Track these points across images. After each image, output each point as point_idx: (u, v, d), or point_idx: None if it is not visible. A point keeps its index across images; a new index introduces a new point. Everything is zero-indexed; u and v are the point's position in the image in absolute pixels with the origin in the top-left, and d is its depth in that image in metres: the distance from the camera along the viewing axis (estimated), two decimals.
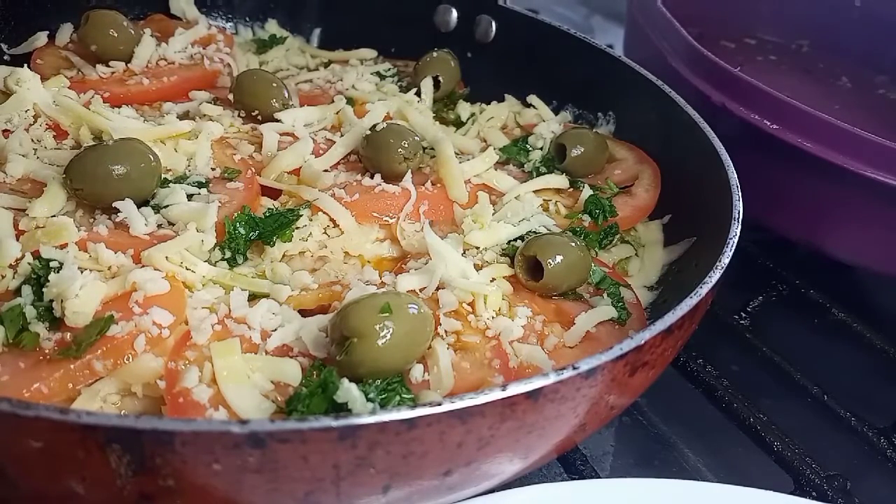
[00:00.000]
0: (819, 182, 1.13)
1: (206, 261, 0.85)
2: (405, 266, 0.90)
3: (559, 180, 1.07)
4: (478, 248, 0.92)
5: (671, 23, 1.28)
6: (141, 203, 0.88)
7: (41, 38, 1.22)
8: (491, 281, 0.86)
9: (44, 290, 0.74)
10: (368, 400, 0.68)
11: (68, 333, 0.72)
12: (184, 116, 1.07)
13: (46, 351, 0.71)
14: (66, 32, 1.24)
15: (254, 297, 0.82)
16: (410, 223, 0.96)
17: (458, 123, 1.23)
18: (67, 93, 1.05)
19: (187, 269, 0.82)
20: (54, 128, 0.99)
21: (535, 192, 1.04)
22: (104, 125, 0.96)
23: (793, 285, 1.24)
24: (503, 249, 0.93)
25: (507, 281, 0.89)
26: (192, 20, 1.34)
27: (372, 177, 0.99)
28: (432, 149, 1.05)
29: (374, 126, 1.03)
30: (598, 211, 1.03)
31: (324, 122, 1.11)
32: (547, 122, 1.20)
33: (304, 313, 0.81)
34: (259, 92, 1.10)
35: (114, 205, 0.85)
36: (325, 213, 0.93)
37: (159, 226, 0.87)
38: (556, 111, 1.27)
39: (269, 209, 0.94)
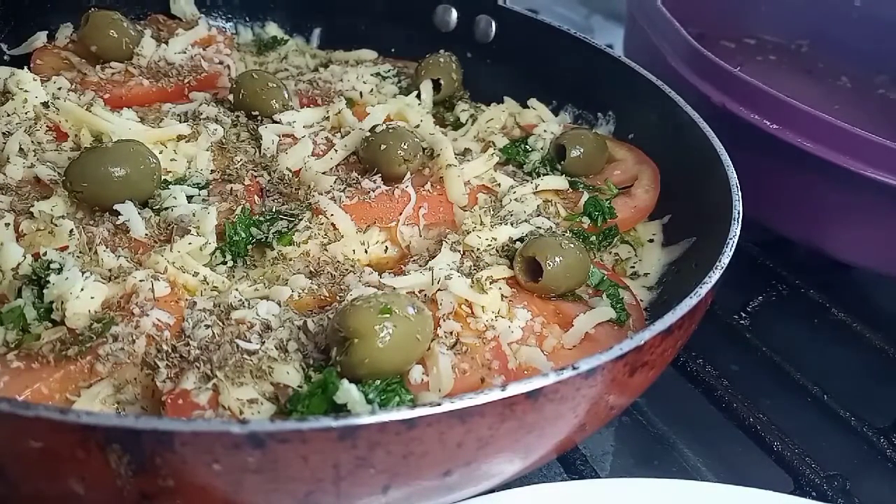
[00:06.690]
0: (819, 182, 1.13)
1: (206, 263, 0.85)
2: (404, 268, 0.90)
3: (559, 181, 1.07)
4: (477, 249, 0.92)
5: (671, 23, 1.28)
6: (141, 205, 0.88)
7: (41, 38, 1.22)
8: (490, 283, 0.86)
9: (44, 291, 0.74)
10: (368, 401, 0.68)
11: (69, 335, 0.72)
12: (183, 118, 1.07)
13: (47, 352, 0.71)
14: (65, 32, 1.24)
15: (254, 298, 0.82)
16: (410, 225, 0.96)
17: (458, 125, 1.23)
18: (67, 95, 1.05)
19: (187, 271, 0.82)
20: (54, 129, 0.99)
21: (534, 193, 1.04)
22: (104, 127, 0.97)
23: (793, 285, 1.24)
24: (503, 251, 0.93)
25: (506, 282, 0.89)
26: (192, 21, 1.34)
27: (372, 178, 0.99)
28: (432, 150, 1.05)
29: (374, 127, 1.03)
30: (597, 213, 1.03)
31: (323, 124, 1.11)
32: (546, 123, 1.20)
33: (304, 314, 0.81)
34: (259, 93, 1.10)
35: (114, 207, 0.85)
36: (324, 215, 0.93)
37: (159, 228, 0.87)
38: (555, 112, 1.27)
39: (269, 211, 0.94)
